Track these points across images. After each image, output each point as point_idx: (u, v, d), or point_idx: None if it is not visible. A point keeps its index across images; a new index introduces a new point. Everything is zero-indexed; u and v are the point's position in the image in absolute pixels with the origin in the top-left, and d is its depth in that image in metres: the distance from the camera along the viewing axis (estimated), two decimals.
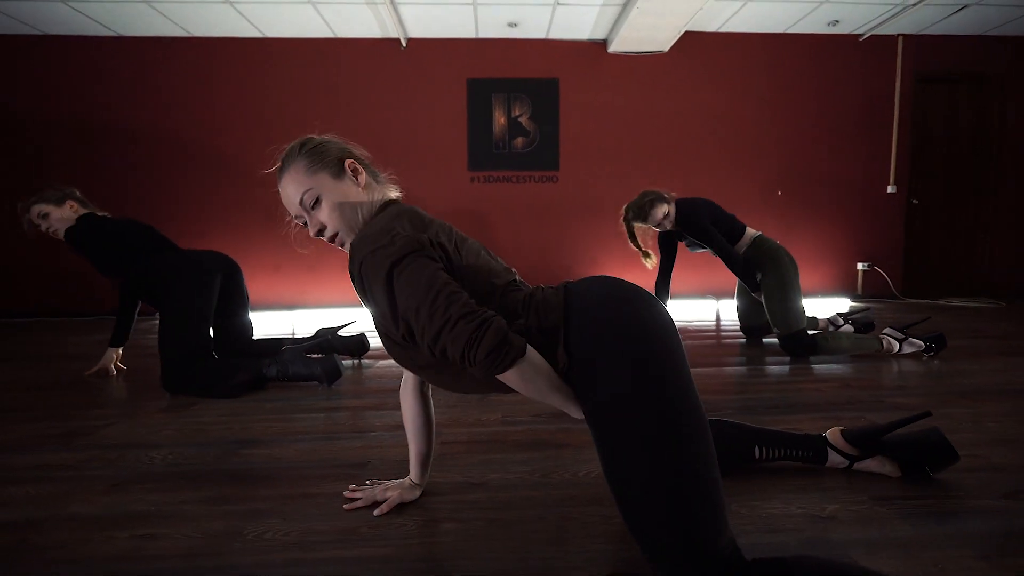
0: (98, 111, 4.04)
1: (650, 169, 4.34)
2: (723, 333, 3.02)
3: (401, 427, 1.11)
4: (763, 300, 2.33)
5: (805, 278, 4.43)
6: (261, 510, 1.03)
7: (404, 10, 3.69)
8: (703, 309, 4.06)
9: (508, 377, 0.73)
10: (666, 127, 4.35)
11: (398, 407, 1.13)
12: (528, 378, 0.73)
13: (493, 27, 3.99)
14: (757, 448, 1.10)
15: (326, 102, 4.15)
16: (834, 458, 1.11)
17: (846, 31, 4.24)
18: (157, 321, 1.98)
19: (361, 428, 1.52)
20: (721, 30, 4.22)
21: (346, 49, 4.14)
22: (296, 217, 0.93)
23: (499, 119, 4.25)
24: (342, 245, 0.91)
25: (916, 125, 4.40)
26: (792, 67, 4.32)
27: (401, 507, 1.02)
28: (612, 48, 4.16)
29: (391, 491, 1.04)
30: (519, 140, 4.29)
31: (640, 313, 0.76)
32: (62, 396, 1.88)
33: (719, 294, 4.28)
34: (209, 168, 4.15)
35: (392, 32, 4.02)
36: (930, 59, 4.32)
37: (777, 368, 2.12)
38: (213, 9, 3.60)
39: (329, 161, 0.92)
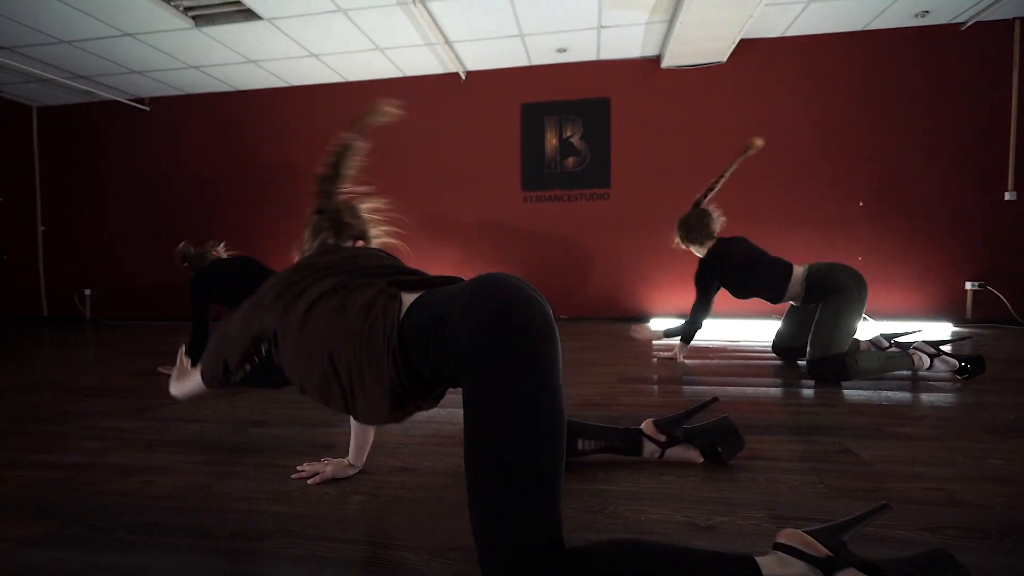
0: (223, 155, 4.93)
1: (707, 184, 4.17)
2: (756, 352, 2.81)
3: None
4: (814, 323, 2.15)
5: (898, 299, 3.93)
6: (234, 472, 1.27)
7: (460, 48, 4.03)
8: (762, 330, 3.77)
9: None
10: (726, 140, 4.16)
11: None
12: None
13: (543, 54, 4.18)
14: (580, 440, 1.17)
15: (398, 132, 4.62)
16: (649, 447, 1.21)
17: (942, 21, 3.76)
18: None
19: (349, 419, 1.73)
20: (786, 34, 3.99)
21: (413, 86, 4.60)
22: None
23: (551, 140, 4.40)
24: None
25: None
26: (876, 66, 3.92)
27: (335, 480, 1.19)
28: (665, 63, 4.12)
29: (328, 466, 1.22)
30: (570, 160, 4.39)
31: (515, 310, 0.74)
32: (154, 381, 2.37)
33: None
34: (302, 194, 4.83)
35: (452, 68, 4.39)
36: None
37: (788, 390, 1.97)
38: (304, 63, 4.25)
39: None
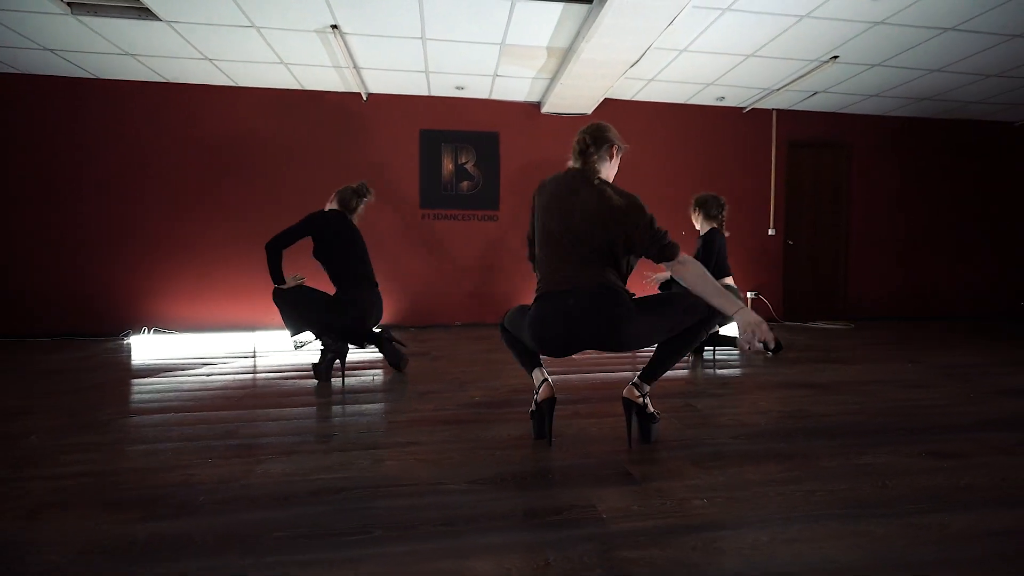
0: (77, 148, 4.36)
1: None
2: None
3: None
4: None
5: None
6: (269, 458, 1.54)
7: (366, 73, 4.29)
8: None
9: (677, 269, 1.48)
10: None
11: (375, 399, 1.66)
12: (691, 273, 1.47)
13: (443, 88, 4.66)
14: None
15: (294, 144, 4.65)
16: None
17: (732, 104, 5.22)
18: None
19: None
20: (635, 99, 5.10)
21: (312, 99, 4.68)
22: None
23: (447, 165, 4.89)
24: None
25: (790, 180, 5.42)
26: (692, 130, 5.24)
27: (357, 454, 1.56)
28: (544, 110, 4.93)
29: None
30: (465, 183, 4.93)
31: None
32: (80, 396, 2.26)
33: None
34: (180, 200, 4.52)
35: (354, 88, 4.61)
36: (798, 129, 5.37)
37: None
38: (194, 63, 4.06)
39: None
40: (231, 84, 4.51)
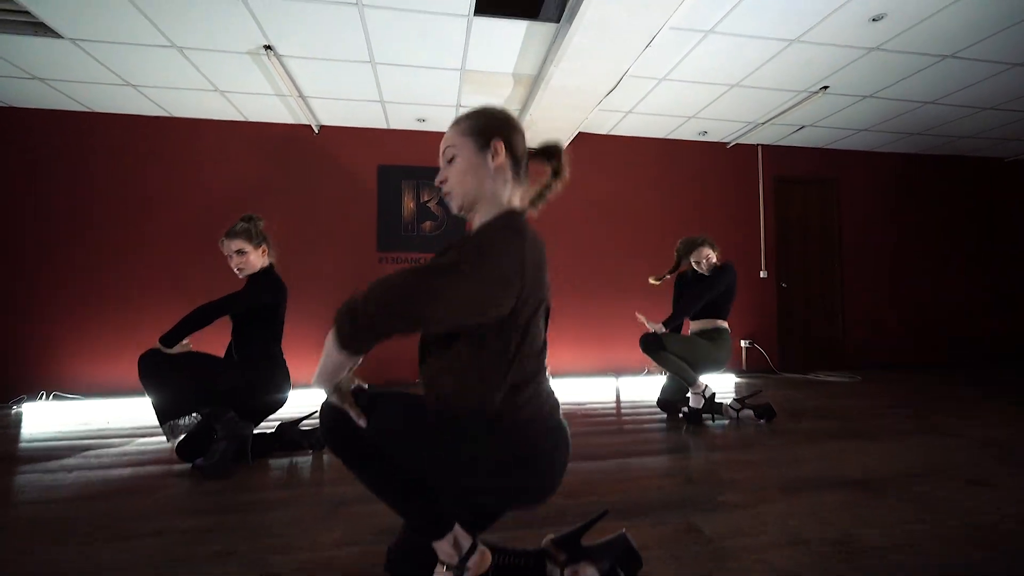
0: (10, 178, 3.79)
1: (549, 250, 4.61)
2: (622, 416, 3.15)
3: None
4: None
5: None
6: None
7: (315, 103, 3.86)
8: (603, 388, 4.23)
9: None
10: (563, 215, 4.70)
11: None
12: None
13: (402, 120, 4.25)
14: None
15: (236, 181, 4.14)
16: (551, 569, 1.11)
17: (715, 140, 4.90)
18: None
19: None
20: (612, 133, 4.75)
21: (258, 131, 4.21)
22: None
23: (408, 204, 4.42)
24: (449, 200, 1.08)
25: (778, 219, 5.07)
26: (674, 165, 4.89)
27: None
28: None
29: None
30: (427, 224, 4.45)
31: None
32: None
33: (619, 372, 4.51)
34: (97, 243, 3.94)
35: (304, 120, 4.16)
36: (785, 165, 5.07)
37: (628, 462, 2.24)
38: (116, 90, 3.58)
39: (481, 132, 1.03)
40: (164, 114, 4.03)
